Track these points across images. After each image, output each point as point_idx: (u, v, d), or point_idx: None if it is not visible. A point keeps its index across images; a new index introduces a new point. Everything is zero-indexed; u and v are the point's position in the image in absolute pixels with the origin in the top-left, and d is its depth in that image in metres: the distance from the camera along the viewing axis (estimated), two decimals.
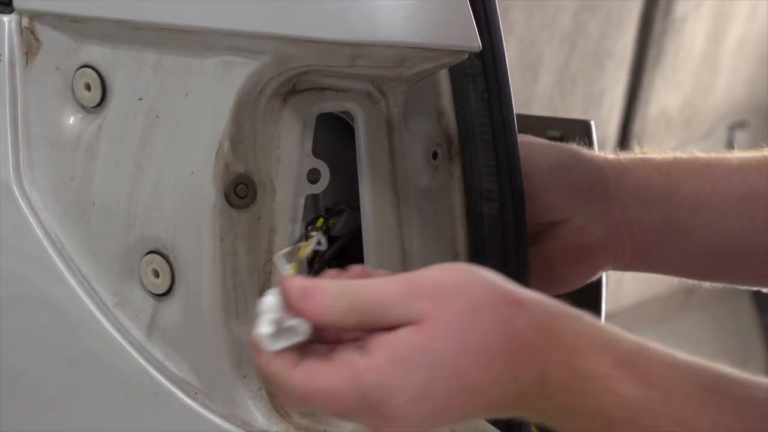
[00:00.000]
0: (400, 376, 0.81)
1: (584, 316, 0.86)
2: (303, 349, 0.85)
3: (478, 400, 0.83)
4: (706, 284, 1.21)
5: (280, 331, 0.85)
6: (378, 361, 0.82)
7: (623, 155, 1.16)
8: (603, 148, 1.21)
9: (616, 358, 0.84)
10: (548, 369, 0.83)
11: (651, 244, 1.13)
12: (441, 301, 0.83)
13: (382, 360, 0.81)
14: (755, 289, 1.18)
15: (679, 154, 1.14)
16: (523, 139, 1.12)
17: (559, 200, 1.13)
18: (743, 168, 1.12)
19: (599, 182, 1.13)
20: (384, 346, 0.82)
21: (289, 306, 0.85)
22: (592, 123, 1.25)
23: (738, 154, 1.13)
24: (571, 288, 1.17)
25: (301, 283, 0.85)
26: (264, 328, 0.85)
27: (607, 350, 0.84)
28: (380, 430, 0.85)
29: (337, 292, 0.84)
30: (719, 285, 1.18)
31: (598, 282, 1.24)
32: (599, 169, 1.14)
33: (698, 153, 1.14)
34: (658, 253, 1.14)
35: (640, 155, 1.16)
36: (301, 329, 0.84)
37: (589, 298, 1.24)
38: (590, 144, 1.23)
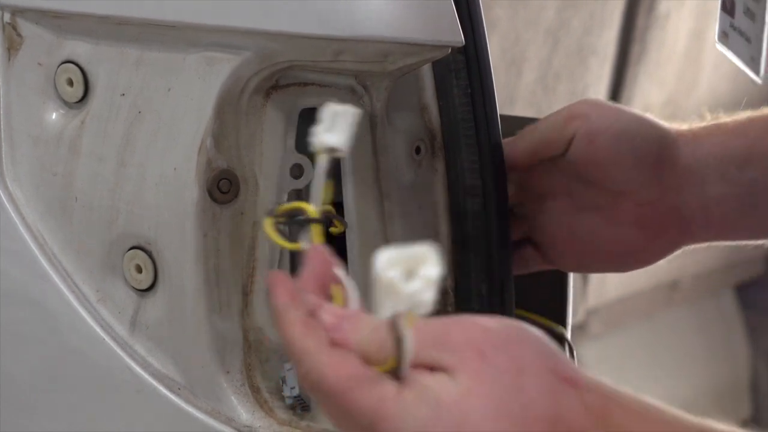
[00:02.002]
0: (420, 419, 0.71)
1: (652, 406, 0.74)
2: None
3: None
4: (689, 280, 1.19)
5: None
6: (407, 399, 0.72)
7: (696, 124, 1.11)
8: None
9: None
10: None
11: (729, 215, 1.09)
12: (482, 352, 0.72)
13: (413, 399, 0.72)
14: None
15: (753, 113, 1.09)
16: (594, 100, 1.10)
17: (621, 170, 1.09)
18: None
19: (670, 155, 1.08)
20: (418, 389, 0.72)
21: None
22: None
23: None
24: (647, 263, 1.13)
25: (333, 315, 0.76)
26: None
27: None
28: None
29: (375, 325, 0.74)
30: (703, 280, 1.17)
31: (564, 279, 1.22)
32: (672, 141, 1.09)
33: None
34: (738, 222, 1.09)
35: (713, 121, 1.11)
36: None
37: (554, 296, 1.23)
38: None
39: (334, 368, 0.74)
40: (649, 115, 1.11)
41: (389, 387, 0.72)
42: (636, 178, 1.09)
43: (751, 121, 1.09)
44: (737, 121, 1.10)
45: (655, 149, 1.08)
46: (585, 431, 0.71)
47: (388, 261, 0.69)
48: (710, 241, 1.13)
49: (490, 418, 0.70)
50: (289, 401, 1.02)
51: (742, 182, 1.08)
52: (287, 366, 1.02)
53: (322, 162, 0.84)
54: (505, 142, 1.10)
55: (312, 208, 0.85)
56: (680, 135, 1.10)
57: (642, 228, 1.10)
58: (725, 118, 1.11)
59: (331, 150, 0.83)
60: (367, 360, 0.74)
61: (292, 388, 1.02)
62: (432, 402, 0.71)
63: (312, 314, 0.77)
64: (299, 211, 0.87)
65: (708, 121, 1.12)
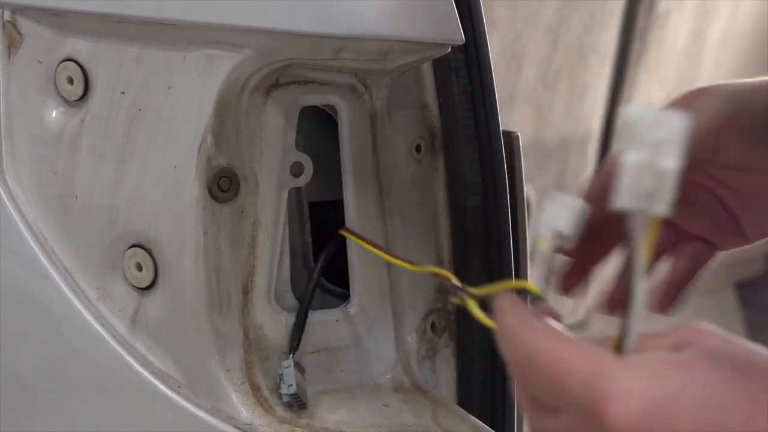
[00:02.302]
0: (639, 379, 0.66)
1: None
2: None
3: None
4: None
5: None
6: (632, 362, 0.67)
7: None
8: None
9: None
10: None
11: None
12: (707, 334, 0.68)
13: (638, 362, 0.67)
14: None
15: None
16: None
17: (732, 146, 0.92)
18: None
19: None
20: (645, 358, 0.67)
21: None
22: (519, 136, 1.17)
23: None
24: None
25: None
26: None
27: None
28: None
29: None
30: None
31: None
32: None
33: None
34: None
35: None
36: None
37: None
38: (517, 159, 1.14)
39: (547, 337, 0.70)
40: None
41: (607, 353, 0.68)
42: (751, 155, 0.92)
43: None
44: None
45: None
46: None
47: (642, 109, 0.66)
48: None
49: (711, 393, 0.65)
50: (286, 399, 1.02)
51: None
52: (285, 363, 1.03)
53: (547, 248, 0.77)
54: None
55: (535, 288, 0.81)
56: None
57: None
58: None
59: (559, 236, 0.76)
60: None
61: (290, 385, 1.02)
62: (654, 364, 0.66)
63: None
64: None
65: None
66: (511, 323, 0.72)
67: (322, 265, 1.06)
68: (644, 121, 0.65)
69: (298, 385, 1.02)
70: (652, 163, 0.65)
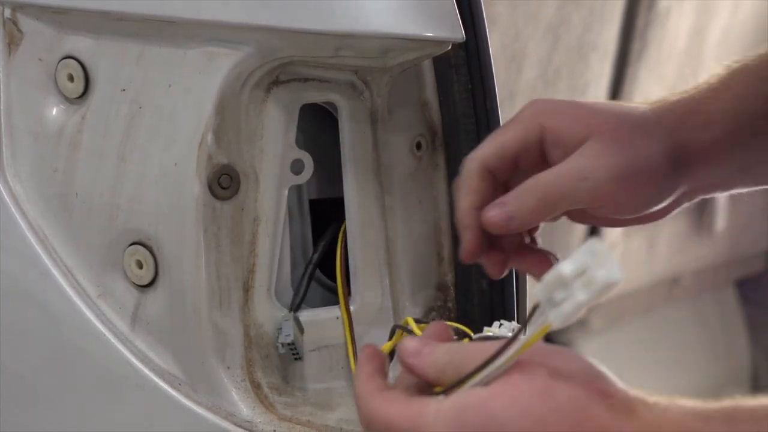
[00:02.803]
0: (448, 420, 0.75)
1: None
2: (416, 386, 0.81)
3: None
4: (690, 276, 1.11)
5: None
6: (443, 406, 0.76)
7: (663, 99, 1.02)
8: None
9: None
10: None
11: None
12: (525, 365, 0.75)
13: (446, 405, 0.75)
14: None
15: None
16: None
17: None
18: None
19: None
20: (456, 395, 0.76)
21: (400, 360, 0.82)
22: None
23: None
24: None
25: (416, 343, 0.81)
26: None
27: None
28: None
29: (446, 349, 0.79)
30: (703, 276, 1.09)
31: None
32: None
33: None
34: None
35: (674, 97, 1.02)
36: None
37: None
38: None
39: (382, 401, 0.79)
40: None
41: (430, 402, 0.77)
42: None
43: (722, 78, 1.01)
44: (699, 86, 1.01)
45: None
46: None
47: (602, 248, 0.72)
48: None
49: (514, 418, 0.73)
50: (282, 350, 1.03)
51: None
52: (285, 317, 1.03)
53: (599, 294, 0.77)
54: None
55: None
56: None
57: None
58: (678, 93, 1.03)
59: (610, 286, 0.76)
60: (433, 380, 0.79)
61: (287, 335, 1.03)
62: (460, 405, 0.75)
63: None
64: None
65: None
66: (359, 389, 0.81)
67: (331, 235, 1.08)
68: (597, 256, 0.72)
69: (294, 336, 1.02)
70: (571, 286, 0.72)
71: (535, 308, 0.74)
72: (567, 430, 0.72)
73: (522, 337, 0.74)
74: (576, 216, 1.00)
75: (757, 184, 1.03)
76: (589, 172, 0.93)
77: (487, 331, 0.95)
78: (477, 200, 0.95)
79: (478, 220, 0.94)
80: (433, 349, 0.80)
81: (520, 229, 0.94)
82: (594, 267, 0.72)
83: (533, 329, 0.74)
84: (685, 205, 1.02)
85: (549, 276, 0.73)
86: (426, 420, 0.76)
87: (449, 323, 0.94)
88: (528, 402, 0.73)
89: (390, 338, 0.99)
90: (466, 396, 0.75)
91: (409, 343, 0.81)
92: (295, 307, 1.05)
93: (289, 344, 1.03)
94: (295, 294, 1.06)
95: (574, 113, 0.97)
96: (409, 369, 0.80)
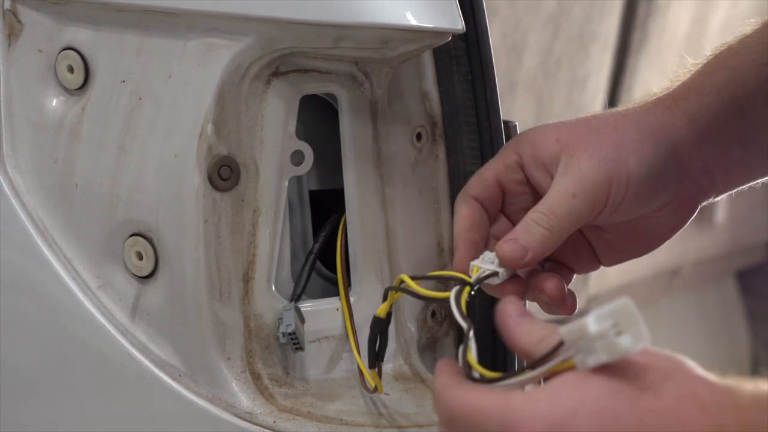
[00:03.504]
0: (547, 410, 0.76)
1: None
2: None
3: None
4: (690, 267, 1.13)
5: None
6: (537, 392, 0.77)
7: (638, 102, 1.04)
8: None
9: None
10: None
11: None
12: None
13: (538, 403, 0.76)
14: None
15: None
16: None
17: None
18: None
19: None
20: (555, 380, 0.77)
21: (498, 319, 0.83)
22: (517, 125, 1.16)
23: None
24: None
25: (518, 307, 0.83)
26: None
27: None
28: None
29: (544, 326, 0.81)
30: (703, 267, 1.11)
31: None
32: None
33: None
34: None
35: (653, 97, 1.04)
36: None
37: None
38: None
39: (467, 392, 0.80)
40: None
41: (515, 392, 0.78)
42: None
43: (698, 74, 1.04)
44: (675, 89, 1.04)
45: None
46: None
47: (602, 314, 0.76)
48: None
49: (603, 403, 0.74)
50: (283, 339, 1.03)
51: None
52: (286, 307, 1.04)
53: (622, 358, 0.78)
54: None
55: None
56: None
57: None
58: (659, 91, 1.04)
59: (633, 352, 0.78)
60: (520, 350, 0.81)
61: (288, 325, 1.03)
62: (552, 388, 0.76)
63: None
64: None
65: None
66: (439, 384, 0.81)
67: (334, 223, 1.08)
68: (626, 316, 0.75)
69: (296, 326, 1.02)
70: (592, 342, 0.75)
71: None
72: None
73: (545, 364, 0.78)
74: (597, 242, 1.04)
75: (757, 175, 1.04)
76: (574, 187, 0.97)
77: (474, 267, 0.97)
78: (466, 224, 1.00)
79: (468, 241, 1.00)
80: (533, 320, 0.82)
81: (535, 260, 0.97)
82: (621, 327, 0.74)
83: (554, 358, 0.78)
84: (704, 203, 1.04)
85: (573, 326, 0.76)
86: (519, 405, 0.76)
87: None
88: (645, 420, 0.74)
89: (384, 300, 0.99)
90: (557, 386, 0.76)
91: (511, 306, 0.82)
92: (296, 298, 1.05)
93: (290, 334, 1.03)
94: (296, 285, 1.06)
95: (545, 133, 1.01)
96: (504, 329, 0.81)
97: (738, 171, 1.04)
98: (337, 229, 1.07)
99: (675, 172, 1.01)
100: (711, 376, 0.77)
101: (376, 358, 1.02)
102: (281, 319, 1.03)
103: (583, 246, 1.06)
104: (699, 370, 0.77)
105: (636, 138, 0.99)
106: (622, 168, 0.98)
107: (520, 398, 0.76)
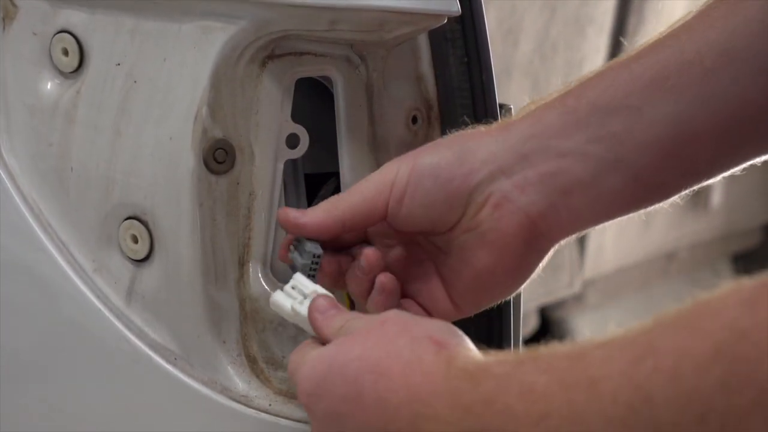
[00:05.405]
0: (306, 363, 0.88)
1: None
2: None
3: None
4: (686, 251, 1.08)
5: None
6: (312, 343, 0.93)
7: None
8: None
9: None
10: None
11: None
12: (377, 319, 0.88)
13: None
14: None
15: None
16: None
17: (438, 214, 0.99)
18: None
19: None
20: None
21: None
22: (512, 108, 1.12)
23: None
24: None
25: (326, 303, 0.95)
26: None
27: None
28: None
29: (348, 317, 0.92)
30: (699, 251, 1.06)
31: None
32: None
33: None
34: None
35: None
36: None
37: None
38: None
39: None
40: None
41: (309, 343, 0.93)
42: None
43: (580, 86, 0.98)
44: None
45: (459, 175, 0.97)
46: (432, 373, 0.80)
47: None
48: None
49: (354, 358, 0.84)
50: (311, 267, 0.99)
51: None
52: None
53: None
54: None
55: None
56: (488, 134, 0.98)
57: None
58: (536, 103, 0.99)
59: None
60: (324, 338, 0.92)
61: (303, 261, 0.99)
62: (314, 353, 0.88)
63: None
64: None
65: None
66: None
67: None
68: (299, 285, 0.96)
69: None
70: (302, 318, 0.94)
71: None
72: (400, 368, 0.81)
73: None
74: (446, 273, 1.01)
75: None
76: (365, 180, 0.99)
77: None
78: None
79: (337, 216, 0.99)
80: (337, 313, 0.92)
81: (309, 232, 0.98)
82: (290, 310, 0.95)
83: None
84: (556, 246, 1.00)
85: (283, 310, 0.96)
86: (301, 356, 0.90)
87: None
88: (367, 346, 0.84)
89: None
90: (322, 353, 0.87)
91: (320, 301, 0.93)
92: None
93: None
94: (291, 268, 1.05)
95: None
96: (313, 323, 0.92)
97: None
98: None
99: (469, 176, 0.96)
100: (452, 344, 0.83)
101: None
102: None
103: (434, 282, 1.01)
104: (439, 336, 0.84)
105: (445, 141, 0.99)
106: (410, 160, 0.97)
107: (304, 350, 0.91)
